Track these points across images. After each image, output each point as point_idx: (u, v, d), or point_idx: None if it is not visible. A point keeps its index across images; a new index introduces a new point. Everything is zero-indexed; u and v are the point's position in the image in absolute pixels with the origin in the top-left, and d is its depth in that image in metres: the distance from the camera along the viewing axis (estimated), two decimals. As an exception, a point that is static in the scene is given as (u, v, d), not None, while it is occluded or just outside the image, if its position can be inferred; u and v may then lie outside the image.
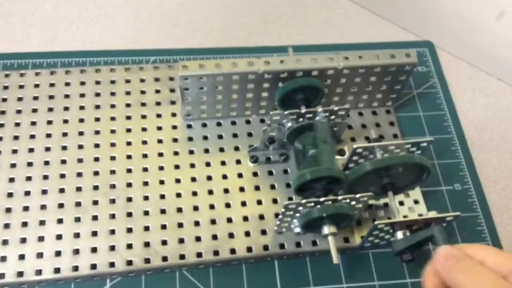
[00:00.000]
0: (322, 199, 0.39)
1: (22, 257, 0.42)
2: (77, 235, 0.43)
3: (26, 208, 0.44)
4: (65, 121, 0.49)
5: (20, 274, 0.42)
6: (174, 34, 0.58)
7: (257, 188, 0.47)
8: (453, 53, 0.61)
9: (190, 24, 0.59)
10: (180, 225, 0.45)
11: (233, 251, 0.44)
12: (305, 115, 0.44)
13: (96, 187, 0.46)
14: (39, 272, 0.42)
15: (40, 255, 0.42)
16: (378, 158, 0.41)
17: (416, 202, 0.48)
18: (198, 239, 0.44)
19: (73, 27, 0.57)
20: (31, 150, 0.47)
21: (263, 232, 0.45)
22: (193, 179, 0.47)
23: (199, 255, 0.44)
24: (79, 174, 0.46)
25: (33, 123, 0.48)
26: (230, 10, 0.61)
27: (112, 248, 0.43)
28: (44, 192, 0.45)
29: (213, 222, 0.45)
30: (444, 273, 0.32)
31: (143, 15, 0.59)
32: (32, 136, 0.48)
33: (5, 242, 0.43)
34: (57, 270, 0.42)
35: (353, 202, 0.40)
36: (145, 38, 0.57)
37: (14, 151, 0.47)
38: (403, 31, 0.62)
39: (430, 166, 0.41)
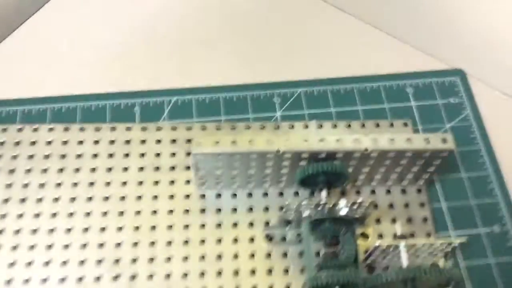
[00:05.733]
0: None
1: (18, 335, 0.41)
2: (76, 315, 0.41)
3: (26, 281, 0.42)
4: (75, 184, 0.47)
5: None
6: (192, 72, 0.55)
7: (269, 271, 0.44)
8: (487, 81, 0.55)
9: (210, 60, 0.56)
10: (184, 311, 0.42)
11: None
12: (325, 205, 0.40)
13: (99, 261, 0.43)
14: None
15: (36, 335, 0.41)
16: (402, 265, 0.37)
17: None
18: (202, 329, 0.41)
19: (90, 69, 0.55)
20: (36, 215, 0.45)
21: (273, 325, 0.42)
22: (202, 257, 0.44)
23: None
24: (84, 246, 0.44)
25: (42, 185, 0.46)
26: (250, 43, 0.58)
27: (111, 333, 0.41)
28: (46, 263, 0.43)
29: (219, 310, 0.42)
30: None
31: (163, 53, 0.57)
32: (39, 200, 0.46)
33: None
34: None
35: (372, 313, 0.36)
36: (165, 77, 0.55)
37: (20, 216, 0.45)
38: (432, 59, 0.57)
39: (460, 278, 0.37)
